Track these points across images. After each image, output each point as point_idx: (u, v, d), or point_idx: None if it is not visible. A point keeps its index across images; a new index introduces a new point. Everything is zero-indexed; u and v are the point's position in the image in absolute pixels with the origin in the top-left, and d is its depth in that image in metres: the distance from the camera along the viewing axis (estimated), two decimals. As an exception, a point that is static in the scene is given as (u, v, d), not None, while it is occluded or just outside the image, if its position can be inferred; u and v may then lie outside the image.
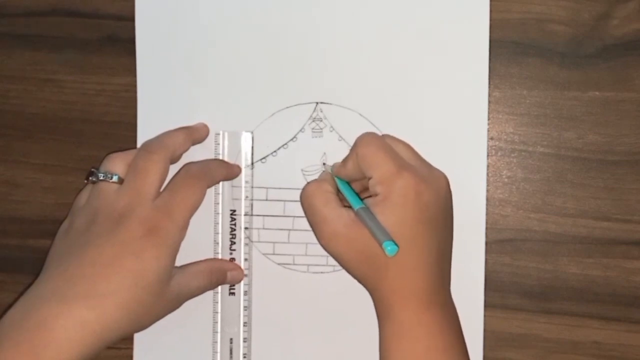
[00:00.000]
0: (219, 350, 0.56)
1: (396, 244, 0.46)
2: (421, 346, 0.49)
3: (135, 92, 0.57)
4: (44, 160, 0.59)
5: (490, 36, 0.54)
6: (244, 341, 0.56)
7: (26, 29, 0.58)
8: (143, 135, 0.57)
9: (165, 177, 0.52)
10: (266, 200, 0.56)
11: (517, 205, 0.56)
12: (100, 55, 0.58)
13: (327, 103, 0.56)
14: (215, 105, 0.57)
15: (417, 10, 0.55)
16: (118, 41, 0.58)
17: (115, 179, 0.51)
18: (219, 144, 0.56)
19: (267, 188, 0.56)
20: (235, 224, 0.56)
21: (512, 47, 0.55)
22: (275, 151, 0.56)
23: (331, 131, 0.56)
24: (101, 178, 0.52)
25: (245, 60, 0.56)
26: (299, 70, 0.56)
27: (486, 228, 0.55)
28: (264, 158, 0.56)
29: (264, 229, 0.56)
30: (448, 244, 0.52)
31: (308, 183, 0.53)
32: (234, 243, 0.56)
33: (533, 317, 0.56)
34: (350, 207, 0.50)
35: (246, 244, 0.56)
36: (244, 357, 0.56)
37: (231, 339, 0.56)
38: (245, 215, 0.56)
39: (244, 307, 0.56)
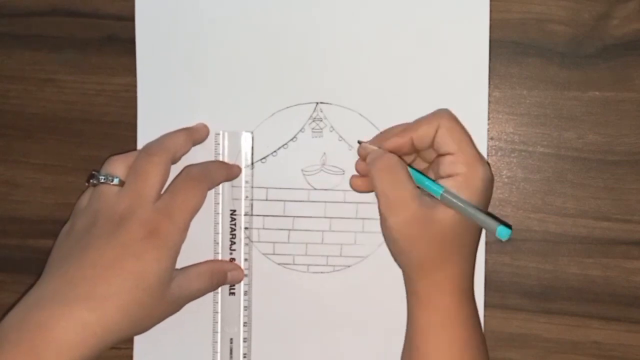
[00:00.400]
0: (219, 350, 0.56)
1: (510, 227, 0.46)
2: (464, 335, 0.50)
3: (135, 92, 0.57)
4: (44, 160, 0.59)
5: (490, 36, 0.54)
6: (244, 341, 0.56)
7: (26, 29, 0.58)
8: (143, 135, 0.57)
9: (166, 179, 0.52)
10: (266, 200, 0.56)
11: (517, 205, 0.56)
12: (100, 55, 0.58)
13: (327, 103, 0.56)
14: (215, 105, 0.57)
15: (417, 10, 0.55)
16: (118, 41, 0.58)
17: (116, 181, 0.51)
18: (219, 144, 0.56)
19: (267, 188, 0.56)
20: (235, 224, 0.56)
21: (512, 47, 0.55)
22: (275, 151, 0.56)
23: (331, 131, 0.56)
24: (102, 180, 0.52)
25: (245, 60, 0.56)
26: (299, 70, 0.56)
27: (486, 228, 0.55)
28: (264, 158, 0.56)
29: (264, 229, 0.56)
30: None
31: (384, 153, 0.50)
32: (234, 243, 0.56)
33: (533, 317, 0.56)
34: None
35: (246, 244, 0.56)
36: (244, 357, 0.56)
37: (231, 339, 0.56)
38: (245, 215, 0.56)
39: (244, 307, 0.56)
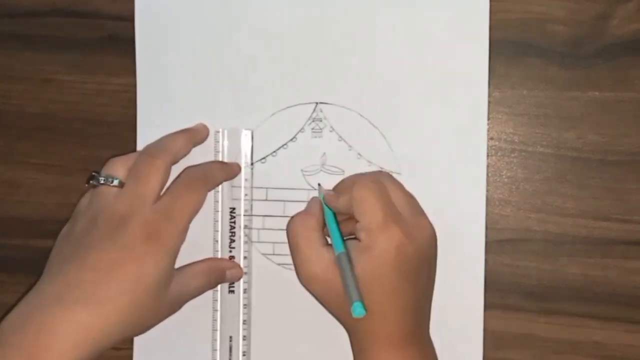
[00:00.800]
0: (218, 348, 0.56)
1: (365, 308, 0.47)
2: None
3: (135, 92, 0.57)
4: (45, 160, 0.59)
5: (490, 36, 0.54)
6: (244, 339, 0.56)
7: (26, 29, 0.59)
8: (143, 135, 0.57)
9: (166, 181, 0.52)
10: (266, 200, 0.56)
11: (517, 205, 0.56)
12: (100, 55, 0.58)
13: (327, 103, 0.56)
14: (215, 106, 0.57)
15: (417, 10, 0.55)
16: (118, 41, 0.58)
17: (116, 182, 0.51)
18: (218, 141, 0.56)
19: (266, 188, 0.56)
20: (234, 222, 0.56)
21: (512, 47, 0.55)
22: (275, 151, 0.56)
23: (331, 131, 0.56)
24: (102, 182, 0.52)
25: (245, 60, 0.56)
26: (299, 70, 0.56)
27: (486, 228, 0.55)
28: (263, 158, 0.56)
29: (263, 229, 0.56)
30: (428, 290, 0.52)
31: (294, 217, 0.52)
32: (234, 241, 0.56)
33: (533, 317, 0.56)
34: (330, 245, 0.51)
35: (245, 242, 0.56)
36: (244, 355, 0.56)
37: (230, 337, 0.56)
38: (244, 214, 0.56)
39: (244, 305, 0.56)
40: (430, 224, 0.52)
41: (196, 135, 0.55)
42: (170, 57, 0.57)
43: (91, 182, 0.52)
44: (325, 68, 0.56)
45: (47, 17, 0.58)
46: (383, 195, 0.50)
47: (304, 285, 0.51)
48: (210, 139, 0.56)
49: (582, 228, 0.55)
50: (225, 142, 0.56)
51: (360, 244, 0.49)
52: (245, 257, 0.56)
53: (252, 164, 0.56)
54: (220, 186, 0.56)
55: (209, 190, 0.54)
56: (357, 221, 0.50)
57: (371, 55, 0.55)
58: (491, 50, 0.54)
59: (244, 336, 0.56)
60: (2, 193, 0.59)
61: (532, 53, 0.55)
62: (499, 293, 0.56)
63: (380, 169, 0.55)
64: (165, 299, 0.50)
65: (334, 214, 0.52)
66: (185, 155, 0.54)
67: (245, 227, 0.56)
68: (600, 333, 0.55)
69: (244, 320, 0.56)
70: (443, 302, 0.54)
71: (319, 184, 0.56)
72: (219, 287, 0.56)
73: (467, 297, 0.55)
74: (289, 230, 0.52)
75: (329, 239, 0.52)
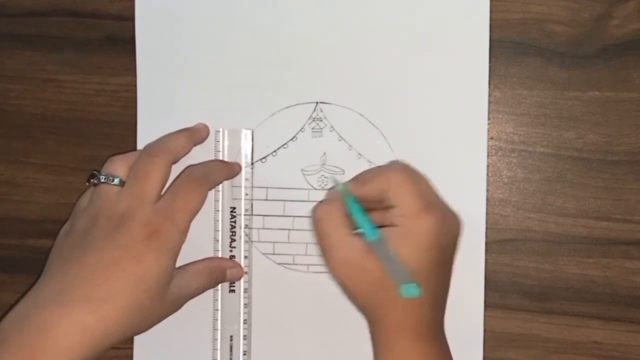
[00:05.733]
0: (219, 347, 0.56)
1: (418, 286, 0.46)
2: None
3: (135, 92, 0.57)
4: (44, 160, 0.59)
5: (490, 36, 0.54)
6: (244, 338, 0.56)
7: (26, 29, 0.59)
8: (143, 135, 0.57)
9: (166, 180, 0.52)
10: (266, 200, 0.56)
11: (517, 205, 0.56)
12: (100, 55, 0.58)
13: (327, 103, 0.56)
14: (215, 105, 0.57)
15: (417, 10, 0.55)
16: (118, 41, 0.58)
17: (116, 181, 0.51)
18: (218, 141, 0.56)
19: (267, 188, 0.56)
20: (235, 222, 0.56)
21: (512, 47, 0.55)
22: (275, 151, 0.56)
23: (331, 131, 0.56)
24: (102, 180, 0.51)
25: (245, 60, 0.56)
26: (299, 70, 0.56)
27: (486, 228, 0.55)
28: (264, 158, 0.56)
29: (264, 228, 0.56)
30: (449, 281, 0.52)
31: (318, 205, 0.52)
32: (234, 240, 0.56)
33: (533, 317, 0.56)
34: (360, 233, 0.50)
35: (246, 242, 0.56)
36: (244, 354, 0.56)
37: (231, 337, 0.56)
38: (245, 213, 0.56)
39: (244, 304, 0.56)
40: (458, 215, 0.52)
41: (196, 135, 0.55)
42: (170, 57, 0.57)
43: (92, 180, 0.52)
44: (325, 68, 0.56)
45: (47, 17, 0.58)
46: (419, 181, 0.50)
47: (334, 272, 0.50)
48: (210, 139, 0.56)
49: (582, 228, 0.55)
50: (226, 142, 0.56)
51: (397, 229, 0.49)
52: (245, 257, 0.56)
53: (252, 163, 0.56)
54: (220, 186, 0.56)
55: (210, 189, 0.54)
56: (390, 207, 0.49)
57: (371, 55, 0.55)
58: (491, 50, 0.55)
59: (245, 335, 0.56)
60: (2, 193, 0.59)
61: (532, 53, 0.55)
62: (499, 293, 0.56)
63: (380, 169, 0.55)
64: (165, 299, 0.50)
65: (360, 207, 0.51)
66: (185, 154, 0.54)
67: (246, 226, 0.56)
68: (600, 333, 0.55)
69: (245, 320, 0.56)
70: (443, 302, 0.54)
71: (334, 178, 0.55)
72: (219, 286, 0.56)
73: (467, 297, 0.55)
74: (315, 217, 0.51)
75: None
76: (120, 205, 0.50)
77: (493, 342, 0.55)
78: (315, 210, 0.51)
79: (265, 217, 0.56)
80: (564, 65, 0.55)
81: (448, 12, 0.55)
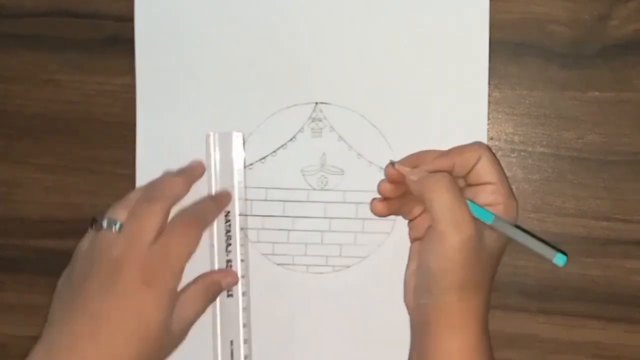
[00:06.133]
0: (219, 352, 0.56)
1: (565, 253, 0.47)
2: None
3: (135, 92, 0.57)
4: (45, 160, 0.59)
5: (490, 36, 0.54)
6: (245, 342, 0.56)
7: (27, 29, 0.59)
8: (143, 135, 0.57)
9: (164, 225, 0.52)
10: (265, 200, 0.56)
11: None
12: (100, 56, 0.58)
13: (327, 103, 0.56)
14: (214, 106, 0.57)
15: (417, 11, 0.55)
16: (118, 41, 0.58)
17: (117, 226, 0.51)
18: (210, 146, 0.56)
19: (266, 188, 0.56)
20: (230, 226, 0.56)
21: (512, 47, 0.55)
22: (274, 151, 0.56)
23: (331, 131, 0.56)
24: (104, 226, 0.52)
25: (244, 60, 0.56)
26: (299, 70, 0.56)
27: (486, 228, 0.55)
28: (263, 158, 0.56)
29: (263, 229, 0.56)
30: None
31: (439, 173, 0.50)
32: (230, 245, 0.55)
33: (533, 317, 0.56)
34: None
35: (242, 245, 0.56)
36: (245, 358, 0.56)
37: (231, 341, 0.56)
38: (240, 215, 0.56)
39: (243, 308, 0.56)
40: None
41: (193, 175, 0.55)
42: (170, 57, 0.57)
43: (94, 225, 0.52)
44: (325, 68, 0.56)
45: (47, 17, 0.58)
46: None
47: (455, 249, 0.47)
48: (201, 143, 0.56)
49: (582, 228, 0.55)
50: (217, 145, 0.56)
51: (500, 207, 0.50)
52: (242, 260, 0.56)
53: (245, 165, 0.56)
54: (213, 190, 0.56)
55: (204, 230, 0.53)
56: (481, 184, 0.50)
57: (371, 55, 0.55)
58: (491, 50, 0.55)
59: (245, 339, 0.56)
60: (2, 193, 0.59)
61: (532, 53, 0.55)
62: (499, 293, 0.56)
63: (380, 169, 0.55)
64: (169, 336, 0.50)
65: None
66: (183, 196, 0.54)
67: (242, 229, 0.56)
68: (600, 333, 0.55)
69: (244, 324, 0.56)
70: (443, 302, 0.55)
71: (391, 161, 0.53)
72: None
73: (467, 297, 0.55)
74: (450, 179, 0.49)
75: None
76: (116, 248, 0.50)
77: (493, 342, 0.55)
78: (437, 178, 0.49)
79: (265, 217, 0.56)
80: (564, 65, 0.55)
81: (448, 12, 0.55)
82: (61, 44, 0.58)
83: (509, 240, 0.51)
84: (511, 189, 0.51)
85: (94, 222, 0.52)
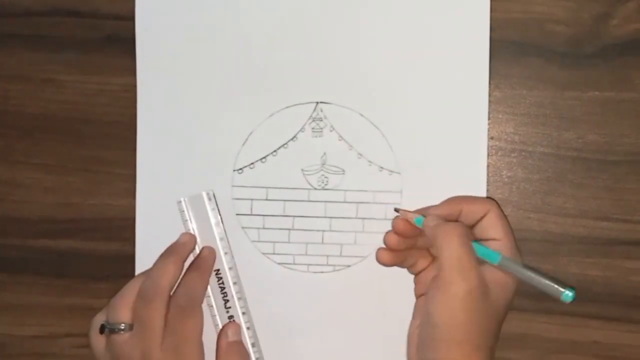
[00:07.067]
0: None
1: (573, 288, 0.48)
2: None
3: (135, 92, 0.57)
4: (44, 160, 0.59)
5: (490, 36, 0.54)
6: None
7: (26, 29, 0.58)
8: (143, 135, 0.57)
9: (166, 317, 0.52)
10: (266, 200, 0.56)
11: (517, 205, 0.56)
12: (100, 55, 0.58)
13: (327, 103, 0.56)
14: (215, 105, 0.57)
15: (417, 10, 0.55)
16: (118, 41, 0.58)
17: (124, 328, 0.52)
18: (183, 211, 0.55)
19: (267, 188, 0.56)
20: (223, 283, 0.55)
21: (512, 47, 0.55)
22: (275, 150, 0.56)
23: (331, 131, 0.56)
24: (114, 330, 0.52)
25: (245, 60, 0.56)
26: (299, 70, 0.56)
27: (486, 228, 0.55)
28: (264, 157, 0.56)
29: (264, 228, 0.56)
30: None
31: (446, 223, 0.50)
32: (227, 301, 0.55)
33: (533, 317, 0.56)
34: None
35: (239, 298, 0.55)
36: None
37: None
38: (230, 269, 0.55)
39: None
40: None
41: (185, 251, 0.55)
42: (170, 57, 0.57)
43: (104, 331, 0.53)
44: (325, 68, 0.56)
45: (47, 17, 0.58)
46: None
47: (458, 298, 0.47)
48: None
49: (582, 228, 0.55)
50: (190, 208, 0.56)
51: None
52: (244, 313, 0.55)
53: (221, 221, 0.56)
54: (197, 249, 0.55)
55: (200, 305, 0.54)
56: (487, 240, 0.50)
57: (371, 55, 0.55)
58: (491, 50, 0.55)
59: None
60: (2, 193, 0.59)
61: (532, 53, 0.55)
62: (499, 293, 0.56)
63: (380, 169, 0.55)
64: None
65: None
66: (179, 278, 0.53)
67: (234, 283, 0.55)
68: (600, 333, 0.55)
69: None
70: (443, 302, 0.54)
71: (395, 209, 0.54)
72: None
73: (467, 297, 0.55)
74: (463, 230, 0.49)
75: None
76: (133, 353, 0.51)
77: (493, 342, 0.55)
78: (448, 226, 0.49)
79: (265, 217, 0.56)
80: (564, 65, 0.55)
81: (448, 12, 0.55)
82: (61, 44, 0.58)
83: (514, 295, 0.50)
84: (516, 245, 0.51)
85: (102, 329, 0.53)
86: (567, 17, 0.54)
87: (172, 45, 0.57)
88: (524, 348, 0.56)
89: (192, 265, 0.55)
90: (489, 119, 0.55)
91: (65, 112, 0.59)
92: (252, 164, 0.56)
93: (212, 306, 0.55)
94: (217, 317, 0.55)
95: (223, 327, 0.55)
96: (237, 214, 0.57)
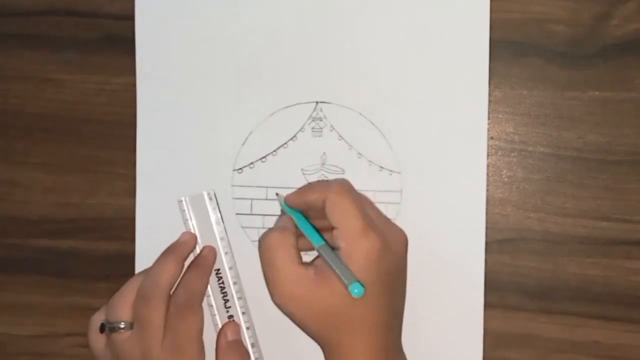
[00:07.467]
0: None
1: (363, 285, 0.46)
2: None
3: (135, 92, 0.57)
4: (44, 160, 0.59)
5: (490, 36, 0.54)
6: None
7: (26, 29, 0.59)
8: (143, 135, 0.57)
9: (166, 315, 0.52)
10: (266, 199, 0.56)
11: (517, 205, 0.56)
12: (100, 55, 0.58)
13: (327, 102, 0.56)
14: (215, 105, 0.57)
15: (417, 10, 0.55)
16: (118, 41, 0.58)
17: (124, 327, 0.52)
18: (184, 210, 0.55)
19: (267, 187, 0.56)
20: (223, 282, 0.55)
21: (512, 47, 0.55)
22: (275, 150, 0.56)
23: (331, 131, 0.56)
24: (114, 329, 0.52)
25: (245, 60, 0.56)
26: (299, 69, 0.56)
27: (486, 228, 0.55)
28: (263, 157, 0.56)
29: (263, 228, 0.56)
30: (402, 302, 0.53)
31: (269, 232, 0.51)
32: (228, 301, 0.55)
33: (533, 317, 0.56)
34: (305, 263, 0.50)
35: (240, 298, 0.55)
36: None
37: None
38: (230, 269, 0.55)
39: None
40: (402, 232, 0.52)
41: (185, 249, 0.55)
42: (170, 57, 0.57)
43: (105, 330, 0.53)
44: (325, 68, 0.56)
45: (47, 17, 0.58)
46: (359, 201, 0.50)
47: (280, 306, 0.50)
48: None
49: (582, 228, 0.55)
50: (190, 209, 0.56)
51: (339, 251, 0.49)
52: (243, 313, 0.55)
53: (222, 220, 0.56)
54: (197, 247, 0.55)
55: (201, 303, 0.54)
56: (333, 229, 0.49)
57: (371, 55, 0.55)
58: (491, 50, 0.55)
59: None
60: (2, 193, 0.59)
61: (532, 53, 0.55)
62: (499, 293, 0.56)
63: (380, 168, 0.55)
64: None
65: (306, 218, 0.52)
66: (179, 277, 0.54)
67: (234, 283, 0.55)
68: (600, 333, 0.55)
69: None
70: (443, 302, 0.54)
71: (276, 193, 0.55)
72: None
73: (467, 297, 0.55)
74: (265, 246, 0.50)
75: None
76: (134, 352, 0.52)
77: (493, 342, 0.55)
78: (264, 237, 0.51)
79: (265, 216, 0.56)
80: (564, 65, 0.55)
81: (448, 12, 0.55)
82: (61, 44, 0.58)
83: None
84: (361, 230, 0.48)
85: (102, 328, 0.53)
86: (567, 17, 0.54)
87: (172, 45, 0.57)
88: (524, 348, 0.56)
89: (193, 264, 0.55)
90: (488, 119, 0.55)
91: (65, 112, 0.59)
92: (252, 163, 0.56)
93: (212, 306, 0.55)
94: (217, 317, 0.55)
95: (223, 326, 0.55)
96: (237, 214, 0.57)
